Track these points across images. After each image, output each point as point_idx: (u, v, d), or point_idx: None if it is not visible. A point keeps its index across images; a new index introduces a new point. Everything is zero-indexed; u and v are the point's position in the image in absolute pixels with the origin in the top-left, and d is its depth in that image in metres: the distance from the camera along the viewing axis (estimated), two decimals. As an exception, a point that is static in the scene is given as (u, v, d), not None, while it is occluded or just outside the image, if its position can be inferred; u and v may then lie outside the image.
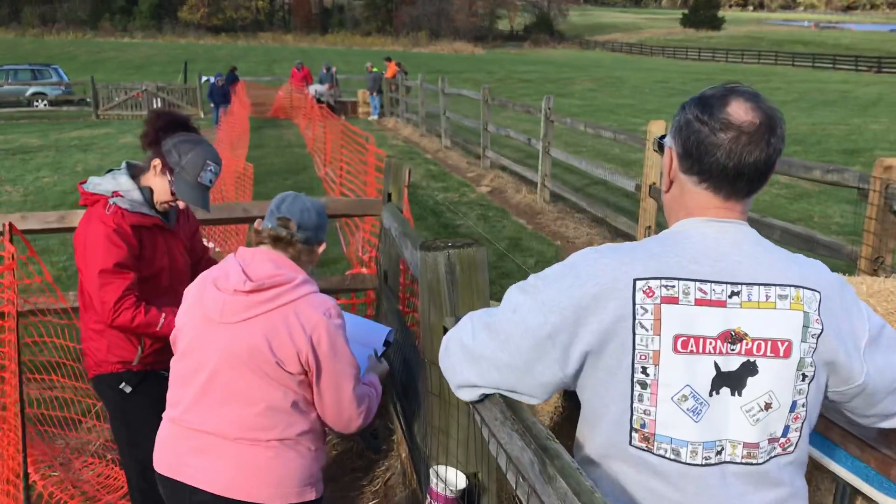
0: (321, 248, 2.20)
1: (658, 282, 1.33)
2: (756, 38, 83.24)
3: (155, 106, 25.00)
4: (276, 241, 2.07)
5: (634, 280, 1.33)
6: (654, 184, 7.14)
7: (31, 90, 26.86)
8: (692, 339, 1.31)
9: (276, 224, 2.07)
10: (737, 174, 1.37)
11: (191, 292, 2.15)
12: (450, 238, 1.79)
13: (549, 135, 10.11)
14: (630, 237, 7.84)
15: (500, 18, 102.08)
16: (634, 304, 1.32)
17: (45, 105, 26.44)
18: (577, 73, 45.03)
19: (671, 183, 1.48)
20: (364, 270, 4.19)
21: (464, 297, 1.74)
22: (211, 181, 2.66)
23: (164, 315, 2.52)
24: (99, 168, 13.48)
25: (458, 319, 1.69)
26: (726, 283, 1.33)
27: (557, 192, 10.01)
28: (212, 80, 21.94)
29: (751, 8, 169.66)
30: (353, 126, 15.38)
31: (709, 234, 1.38)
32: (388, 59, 25.58)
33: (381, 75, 23.92)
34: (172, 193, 2.64)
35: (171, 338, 2.20)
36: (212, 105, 21.55)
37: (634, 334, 1.32)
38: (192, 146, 2.65)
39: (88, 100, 25.09)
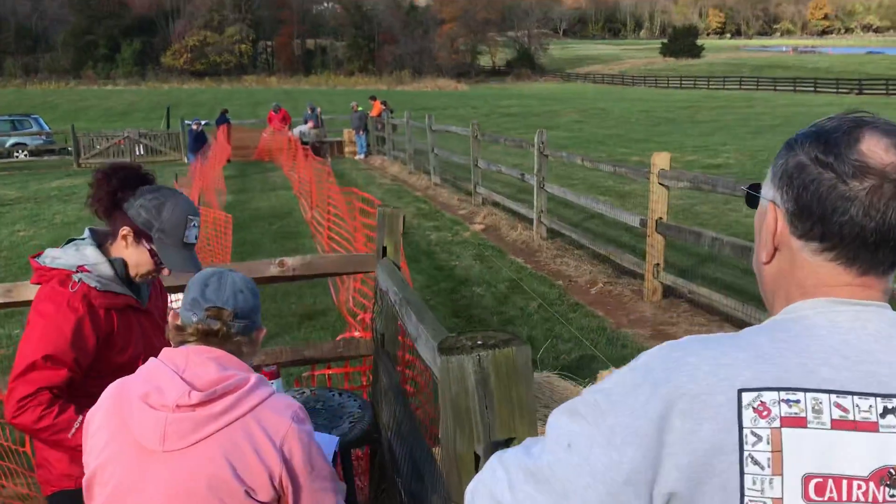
0: (262, 334, 1.77)
1: (775, 394, 0.90)
2: (736, 65, 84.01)
3: (137, 153, 24.62)
4: (208, 337, 1.64)
5: (740, 391, 0.90)
6: (661, 218, 6.75)
7: (10, 141, 26.42)
8: (831, 482, 0.88)
9: (205, 316, 1.63)
10: (880, 240, 0.95)
11: (103, 415, 1.63)
12: (477, 331, 1.34)
13: (543, 169, 9.74)
14: (638, 275, 7.42)
15: (481, 55, 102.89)
16: (741, 427, 0.89)
17: (25, 155, 26.01)
18: (561, 105, 45.07)
19: (775, 251, 1.05)
20: (357, 333, 3.74)
21: (501, 415, 1.27)
22: (196, 237, 2.25)
23: (80, 419, 2.02)
24: (78, 219, 13.00)
25: (494, 446, 1.23)
26: (875, 395, 0.91)
27: (555, 229, 9.61)
28: (191, 125, 21.64)
29: (728, 35, 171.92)
30: (340, 166, 15.00)
31: (842, 324, 0.95)
32: (373, 98, 25.39)
33: (366, 114, 23.66)
34: (156, 262, 2.20)
35: (84, 483, 1.65)
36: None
37: (742, 473, 0.89)
38: (165, 201, 2.21)
39: (70, 149, 24.65)
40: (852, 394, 0.90)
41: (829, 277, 0.98)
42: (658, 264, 6.89)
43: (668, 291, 7.00)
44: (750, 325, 5.67)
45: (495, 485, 1.06)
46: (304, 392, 3.30)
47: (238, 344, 1.66)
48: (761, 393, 0.90)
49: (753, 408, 0.89)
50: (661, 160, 6.69)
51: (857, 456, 0.88)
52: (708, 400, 0.90)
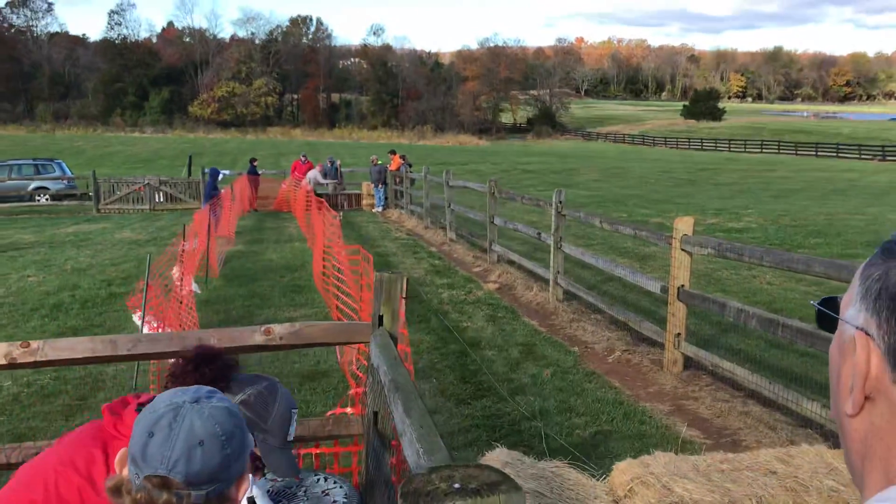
0: (243, 486, 1.31)
1: None
2: (757, 129, 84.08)
3: (157, 200, 24.66)
4: None
5: None
6: (684, 286, 6.42)
7: (32, 185, 26.62)
8: None
9: (144, 485, 1.21)
10: None
11: None
12: (457, 464, 1.04)
13: (560, 229, 9.46)
14: (658, 344, 7.06)
15: (503, 112, 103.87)
16: None
17: (46, 199, 26.15)
18: (581, 162, 45.07)
19: (865, 399, 0.73)
20: (349, 410, 3.43)
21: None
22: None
23: None
24: (89, 266, 12.86)
25: None
26: None
27: (571, 291, 9.28)
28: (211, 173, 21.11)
29: (749, 99, 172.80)
30: (356, 219, 14.81)
31: None
32: (393, 152, 25.39)
33: (385, 168, 23.67)
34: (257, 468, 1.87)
35: None
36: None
37: None
38: (270, 396, 1.95)
39: (90, 194, 24.76)
40: None
41: None
42: (679, 334, 6.54)
43: (689, 363, 6.63)
44: (776, 404, 5.25)
45: None
46: (286, 474, 2.98)
47: None
48: None
49: None
50: (684, 225, 6.39)
51: None
52: None
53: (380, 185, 23.19)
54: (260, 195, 24.05)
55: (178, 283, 8.93)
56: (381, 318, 3.02)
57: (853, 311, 0.75)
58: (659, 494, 2.74)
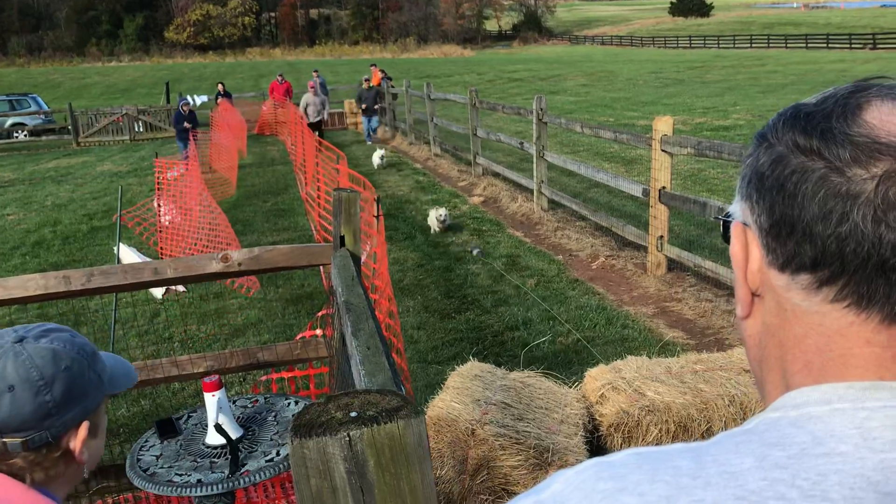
0: (79, 439, 1.18)
1: None
2: (746, 23, 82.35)
3: (137, 129, 24.21)
4: None
5: None
6: (665, 188, 6.33)
7: (9, 121, 26.09)
8: None
9: None
10: None
11: None
12: (357, 392, 0.96)
13: (542, 137, 9.29)
14: (641, 247, 7.02)
15: (487, 19, 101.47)
16: None
17: (24, 136, 25.68)
18: (567, 68, 44.29)
19: (753, 297, 0.66)
20: (319, 332, 3.38)
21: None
22: None
23: None
24: (70, 201, 12.71)
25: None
26: None
27: (556, 200, 9.19)
28: (180, 101, 17.54)
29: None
30: (339, 139, 14.59)
31: (877, 434, 0.54)
32: (374, 66, 24.80)
33: (380, 91, 19.73)
34: None
35: None
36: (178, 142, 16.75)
37: None
38: None
39: (69, 128, 24.29)
40: None
41: (839, 333, 0.59)
42: (662, 236, 6.49)
43: (673, 265, 6.60)
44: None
45: None
46: (255, 400, 2.96)
47: (31, 464, 1.13)
48: None
49: None
50: (663, 125, 6.26)
51: None
52: None
53: (374, 112, 18.87)
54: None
55: (159, 214, 8.83)
56: (342, 238, 2.93)
57: (734, 206, 0.68)
58: (630, 399, 2.72)
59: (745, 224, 0.65)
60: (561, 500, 0.59)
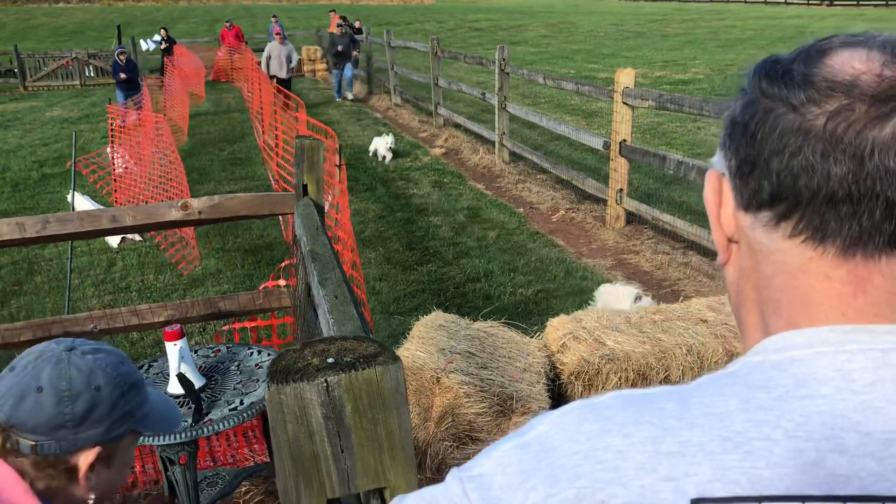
0: (88, 457, 1.17)
1: None
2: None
3: (87, 74, 23.45)
4: None
5: (694, 503, 0.54)
6: (626, 141, 6.36)
7: (-50, 64, 25.04)
8: None
9: None
10: (857, 193, 0.57)
11: None
12: (333, 339, 0.96)
13: (504, 88, 9.24)
14: (601, 200, 7.08)
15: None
16: None
17: (-33, 79, 24.69)
18: (529, 19, 43.90)
19: (729, 243, 0.68)
20: (282, 282, 3.36)
21: (364, 460, 0.90)
22: None
23: None
24: (18, 147, 12.33)
25: (362, 496, 0.89)
26: None
27: (517, 152, 9.19)
28: (116, 50, 14.75)
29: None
30: (297, 86, 14.29)
31: (858, 375, 0.56)
32: (332, 12, 24.26)
33: (355, 39, 17.01)
34: None
35: None
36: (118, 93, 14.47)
37: None
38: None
39: (15, 70, 23.39)
40: (884, 500, 0.53)
41: (800, 270, 0.61)
42: (621, 189, 6.54)
43: (632, 217, 6.68)
44: (715, 253, 5.35)
45: None
46: (217, 350, 2.95)
47: (33, 465, 1.14)
48: None
49: None
50: (625, 77, 6.26)
51: None
52: None
53: (348, 60, 16.29)
54: (193, 65, 22.96)
55: (113, 161, 8.61)
56: (305, 187, 2.90)
57: (715, 158, 0.69)
58: (590, 348, 2.77)
59: (721, 174, 0.67)
60: (545, 440, 0.60)
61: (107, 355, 1.21)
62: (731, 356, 2.85)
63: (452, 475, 0.64)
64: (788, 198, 0.60)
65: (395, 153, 10.37)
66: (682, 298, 4.99)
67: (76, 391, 1.15)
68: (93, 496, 1.19)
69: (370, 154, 10.19)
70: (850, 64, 0.59)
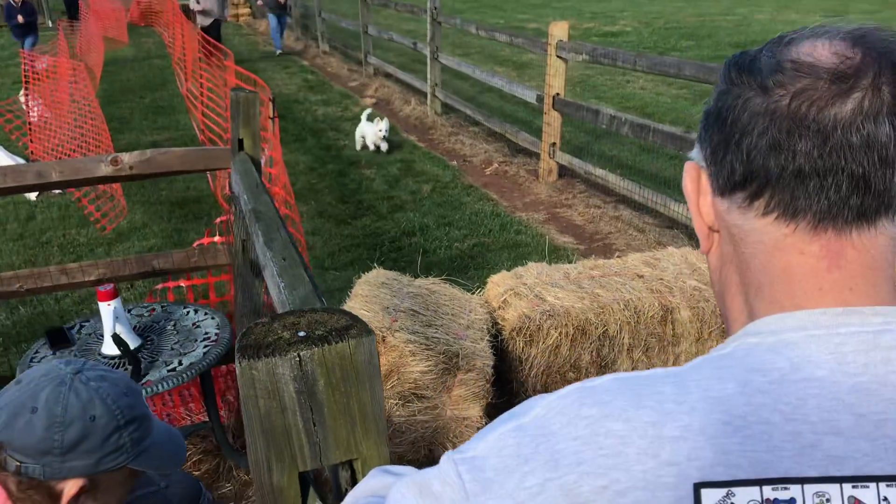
0: (71, 489, 1.11)
1: (756, 490, 0.55)
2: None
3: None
4: None
5: (697, 487, 0.55)
6: (559, 94, 6.38)
7: None
8: None
9: None
10: (822, 167, 0.59)
11: None
12: (302, 311, 0.94)
13: (436, 38, 9.11)
14: (534, 154, 7.11)
15: None
16: None
17: None
18: (458, -34, 43.23)
19: (710, 232, 0.71)
20: (218, 239, 3.27)
21: (337, 433, 0.89)
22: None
23: None
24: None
25: (329, 469, 0.88)
26: None
27: (449, 104, 9.12)
28: None
29: None
30: (222, 31, 13.76)
31: (851, 357, 0.58)
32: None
33: None
34: None
35: None
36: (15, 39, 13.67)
37: None
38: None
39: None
40: (877, 479, 0.55)
41: (777, 248, 0.63)
42: (554, 143, 6.58)
43: (564, 171, 6.74)
44: (646, 207, 5.40)
45: None
46: (152, 309, 2.86)
47: (8, 482, 1.10)
48: (732, 489, 0.55)
49: None
50: (559, 30, 6.25)
51: None
52: (644, 499, 0.55)
53: (284, 9, 14.59)
54: (110, 7, 21.88)
55: (27, 109, 8.19)
56: (240, 141, 2.81)
57: (693, 152, 0.73)
58: (531, 304, 2.80)
59: (699, 165, 0.70)
60: (543, 424, 0.60)
61: (111, 385, 1.16)
62: (666, 310, 2.93)
63: (446, 458, 0.64)
64: (759, 176, 0.62)
65: (326, 103, 10.17)
66: (616, 253, 5.09)
67: (70, 419, 1.10)
68: None
69: (358, 147, 7.85)
70: (814, 49, 0.62)
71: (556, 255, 5.14)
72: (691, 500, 0.54)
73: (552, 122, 6.51)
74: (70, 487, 1.11)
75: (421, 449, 2.39)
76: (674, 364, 3.09)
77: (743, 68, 0.65)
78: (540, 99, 6.67)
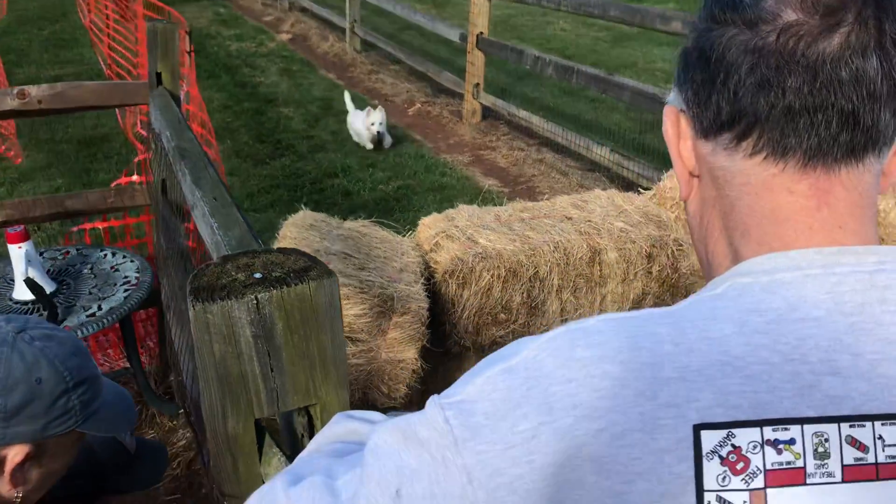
0: (17, 455, 1.03)
1: (756, 431, 0.54)
2: None
3: None
4: None
5: (697, 429, 0.54)
6: (483, 34, 6.30)
7: None
8: None
9: None
10: (812, 104, 0.58)
11: None
12: (257, 251, 0.88)
13: (355, -27, 8.84)
14: (457, 95, 7.04)
15: None
16: (701, 490, 0.53)
17: None
18: None
19: (690, 177, 0.70)
20: (136, 179, 3.11)
21: (295, 378, 0.86)
22: None
23: None
24: None
25: (288, 418, 0.84)
26: None
27: (369, 41, 8.90)
28: None
29: None
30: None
31: (847, 297, 0.57)
32: None
33: None
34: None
35: None
36: None
37: None
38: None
39: None
40: (873, 418, 0.54)
41: (765, 188, 0.62)
42: (478, 84, 6.52)
43: (488, 113, 6.70)
44: (568, 150, 5.42)
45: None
46: (66, 252, 2.72)
47: None
48: (732, 430, 0.54)
49: (721, 457, 0.53)
50: (483, -32, 6.13)
51: None
52: (643, 442, 0.53)
53: None
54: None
55: None
56: (159, 75, 2.65)
57: (670, 96, 0.71)
58: (464, 246, 2.78)
59: (679, 109, 0.68)
60: (535, 366, 0.58)
61: (58, 344, 1.06)
62: (594, 252, 2.97)
63: (432, 402, 0.61)
64: (747, 115, 0.61)
65: (239, 38, 9.78)
66: (540, 196, 5.12)
67: (13, 381, 1.00)
68: (19, 495, 1.06)
69: (354, 141, 6.13)
70: None
71: (481, 197, 5.13)
72: (691, 441, 0.53)
73: (476, 62, 6.44)
74: (14, 454, 1.02)
75: (355, 392, 2.37)
76: (600, 304, 3.15)
77: (726, 5, 0.62)
78: (463, 38, 6.58)
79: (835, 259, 0.59)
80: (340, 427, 0.78)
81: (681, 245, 3.09)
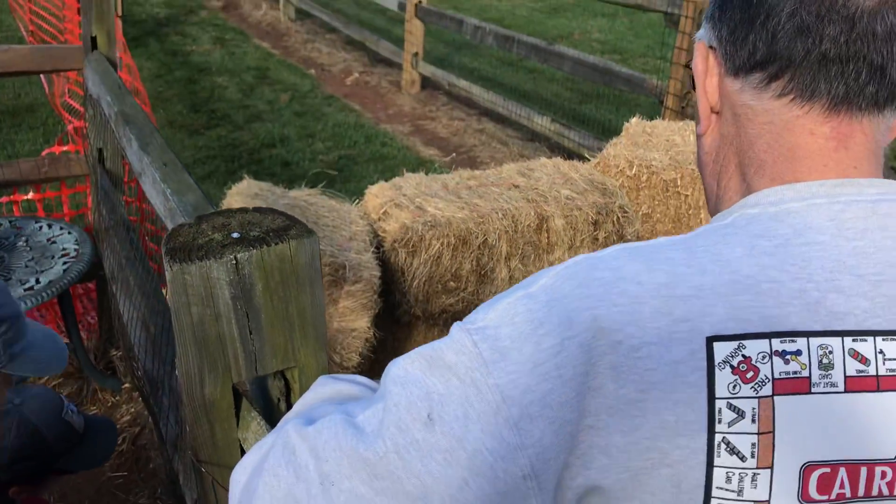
0: None
1: (765, 343, 0.57)
2: None
3: None
4: None
5: (710, 340, 0.57)
6: (421, 2, 6.23)
7: None
8: (843, 472, 0.58)
9: None
10: (847, 53, 0.61)
11: None
12: (233, 211, 0.85)
13: (288, -61, 8.63)
14: (395, 64, 6.96)
15: None
16: (713, 398, 0.57)
17: None
18: None
19: (711, 113, 0.72)
20: (71, 147, 2.99)
21: (274, 341, 0.84)
22: None
23: None
24: None
25: (262, 383, 0.82)
26: None
27: (304, 9, 8.72)
28: None
29: None
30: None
31: (850, 223, 0.61)
32: None
33: None
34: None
35: None
36: None
37: (711, 466, 0.57)
38: None
39: None
40: (874, 333, 0.58)
41: (786, 128, 0.65)
42: (417, 53, 6.46)
43: (427, 83, 6.66)
44: (509, 120, 5.45)
45: (297, 478, 0.61)
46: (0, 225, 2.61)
47: None
48: (743, 342, 0.57)
49: (732, 366, 0.57)
50: (421, -64, 6.06)
51: (883, 429, 0.58)
52: (658, 354, 0.56)
53: None
54: None
55: None
56: (94, 39, 2.55)
57: (700, 32, 0.73)
58: (413, 215, 2.77)
59: (707, 43, 0.71)
60: (554, 289, 0.60)
61: None
62: (541, 219, 2.99)
63: (457, 328, 0.62)
64: (782, 58, 0.63)
65: (168, 4, 9.45)
66: (487, 166, 5.13)
67: None
68: None
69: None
70: None
71: (423, 167, 5.11)
72: (704, 352, 0.57)
73: (414, 31, 6.37)
74: None
75: (308, 362, 2.35)
76: (547, 271, 3.18)
77: None
78: (402, 6, 6.50)
79: (838, 190, 0.63)
80: (327, 388, 0.77)
81: (626, 212, 3.14)
